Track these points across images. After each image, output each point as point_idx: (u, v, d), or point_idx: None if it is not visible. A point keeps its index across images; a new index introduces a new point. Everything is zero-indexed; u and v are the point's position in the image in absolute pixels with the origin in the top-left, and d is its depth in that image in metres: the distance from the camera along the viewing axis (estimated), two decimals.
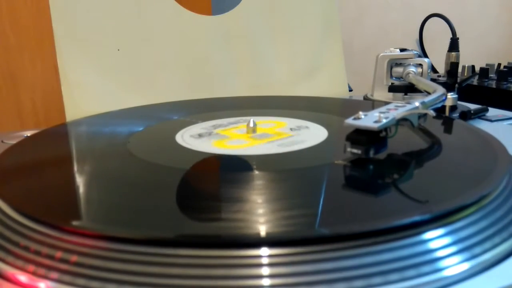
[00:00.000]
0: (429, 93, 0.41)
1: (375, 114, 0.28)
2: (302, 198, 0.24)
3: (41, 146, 0.36)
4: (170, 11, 0.54)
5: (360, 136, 0.27)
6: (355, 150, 0.27)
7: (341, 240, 0.19)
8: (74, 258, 0.19)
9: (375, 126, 0.27)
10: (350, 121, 0.28)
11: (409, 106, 0.31)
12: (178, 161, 0.32)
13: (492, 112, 0.49)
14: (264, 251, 0.19)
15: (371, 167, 0.28)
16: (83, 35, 0.50)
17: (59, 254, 0.20)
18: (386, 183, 0.26)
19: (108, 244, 0.19)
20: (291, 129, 0.37)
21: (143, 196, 0.25)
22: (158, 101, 0.51)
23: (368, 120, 0.28)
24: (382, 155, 0.29)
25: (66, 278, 0.19)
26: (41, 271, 0.19)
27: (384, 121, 0.27)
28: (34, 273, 0.19)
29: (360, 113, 0.29)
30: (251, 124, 0.36)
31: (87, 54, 0.50)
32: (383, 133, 0.28)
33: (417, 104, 0.32)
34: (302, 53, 0.62)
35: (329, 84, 0.62)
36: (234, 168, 0.30)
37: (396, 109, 0.30)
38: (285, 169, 0.29)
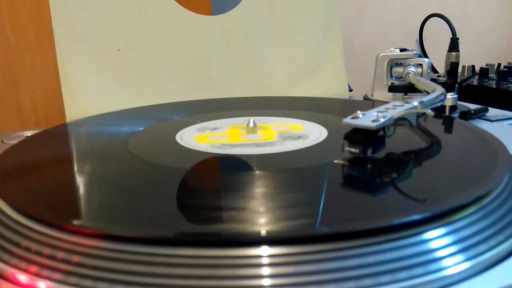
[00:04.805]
0: (428, 93, 0.41)
1: (373, 113, 0.29)
2: (302, 197, 0.24)
3: (41, 146, 0.36)
4: (170, 11, 0.54)
5: (358, 135, 0.27)
6: (352, 149, 0.27)
7: (341, 239, 0.19)
8: (75, 258, 0.19)
9: (373, 125, 0.27)
10: (348, 120, 0.28)
11: (407, 106, 0.31)
12: (178, 161, 0.32)
13: (492, 112, 0.49)
14: (265, 250, 0.19)
15: (371, 166, 0.28)
16: (83, 35, 0.50)
17: (59, 254, 0.20)
18: (386, 183, 0.26)
19: (109, 244, 0.19)
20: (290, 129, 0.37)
21: (144, 195, 0.25)
22: (158, 101, 0.51)
23: (366, 119, 0.28)
24: (380, 154, 0.29)
25: (67, 278, 0.19)
26: (41, 271, 0.19)
27: (382, 120, 0.27)
28: (34, 273, 0.19)
29: (358, 112, 0.29)
30: (251, 124, 0.36)
31: (87, 54, 0.50)
32: (381, 132, 0.28)
33: (415, 103, 0.32)
34: (302, 53, 0.62)
35: (329, 84, 0.62)
36: (234, 167, 0.31)
37: (394, 109, 0.30)
38: (285, 169, 0.29)
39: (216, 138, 0.35)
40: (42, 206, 0.24)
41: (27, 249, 0.20)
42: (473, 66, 0.79)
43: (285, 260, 0.18)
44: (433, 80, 0.53)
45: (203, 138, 0.35)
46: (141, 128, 0.39)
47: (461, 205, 0.22)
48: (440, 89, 0.39)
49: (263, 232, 0.20)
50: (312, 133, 0.36)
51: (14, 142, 0.37)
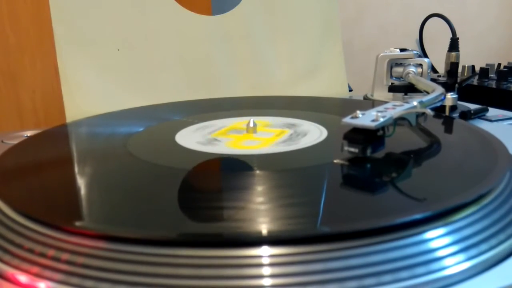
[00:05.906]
0: (428, 93, 0.41)
1: (372, 113, 0.28)
2: (303, 198, 0.24)
3: (42, 146, 0.36)
4: (170, 11, 0.54)
5: (357, 135, 0.27)
6: (352, 149, 0.27)
7: (343, 239, 0.19)
8: (75, 258, 0.19)
9: (372, 125, 0.27)
10: (347, 120, 0.28)
11: (406, 105, 0.31)
12: (178, 161, 0.32)
13: (492, 112, 0.49)
14: (267, 250, 0.19)
15: (370, 166, 0.28)
16: (83, 35, 0.50)
17: (59, 254, 0.20)
18: (386, 182, 0.26)
19: (109, 245, 0.19)
20: (291, 128, 0.37)
21: (144, 196, 0.25)
22: (158, 101, 0.51)
23: (366, 119, 0.28)
24: (380, 154, 0.29)
25: (67, 278, 0.19)
26: (42, 271, 0.19)
27: (382, 120, 0.27)
28: (34, 274, 0.19)
29: (358, 112, 0.29)
30: (251, 124, 0.36)
31: (87, 54, 0.50)
32: (380, 132, 0.28)
33: (415, 103, 0.32)
34: (302, 53, 0.62)
35: (329, 84, 0.62)
36: (234, 167, 0.30)
37: (393, 108, 0.30)
38: (285, 169, 0.29)
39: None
40: (42, 207, 0.24)
41: (28, 250, 0.20)
42: (473, 66, 0.79)
43: (287, 260, 0.18)
44: (433, 80, 0.53)
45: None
46: (141, 129, 0.39)
47: (462, 204, 0.22)
48: (440, 89, 0.39)
49: (265, 232, 0.20)
50: (312, 133, 0.36)
51: (14, 142, 0.37)
